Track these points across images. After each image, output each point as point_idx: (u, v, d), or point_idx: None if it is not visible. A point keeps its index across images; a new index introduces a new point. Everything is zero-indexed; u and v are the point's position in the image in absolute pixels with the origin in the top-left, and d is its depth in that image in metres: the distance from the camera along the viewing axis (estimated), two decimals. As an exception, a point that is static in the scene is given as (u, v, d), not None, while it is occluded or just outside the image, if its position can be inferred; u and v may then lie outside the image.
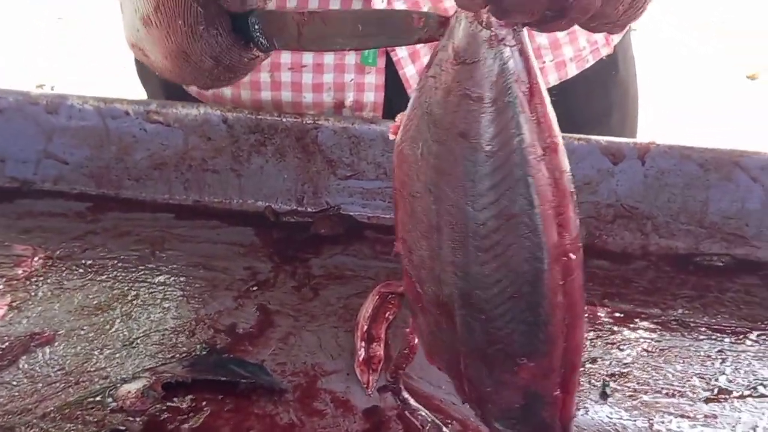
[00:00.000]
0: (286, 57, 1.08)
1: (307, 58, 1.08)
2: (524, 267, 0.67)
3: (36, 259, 1.01)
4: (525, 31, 0.68)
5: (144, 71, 1.24)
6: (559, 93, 1.11)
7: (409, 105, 0.71)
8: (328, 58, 1.08)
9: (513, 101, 0.66)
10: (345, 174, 1.03)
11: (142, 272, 0.99)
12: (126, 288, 0.97)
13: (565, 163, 0.68)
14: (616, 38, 1.15)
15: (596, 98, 1.17)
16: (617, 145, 0.95)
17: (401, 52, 1.05)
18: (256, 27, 0.89)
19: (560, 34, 1.09)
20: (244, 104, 1.10)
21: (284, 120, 1.03)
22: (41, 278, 0.98)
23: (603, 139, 0.96)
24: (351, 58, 1.08)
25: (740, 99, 3.12)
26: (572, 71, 1.12)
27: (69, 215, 1.07)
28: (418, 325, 0.77)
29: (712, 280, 0.93)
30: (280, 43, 0.89)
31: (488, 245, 0.68)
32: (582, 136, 0.96)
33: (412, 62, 1.05)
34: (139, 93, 1.26)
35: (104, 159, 1.08)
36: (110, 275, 0.98)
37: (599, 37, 1.13)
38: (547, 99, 0.68)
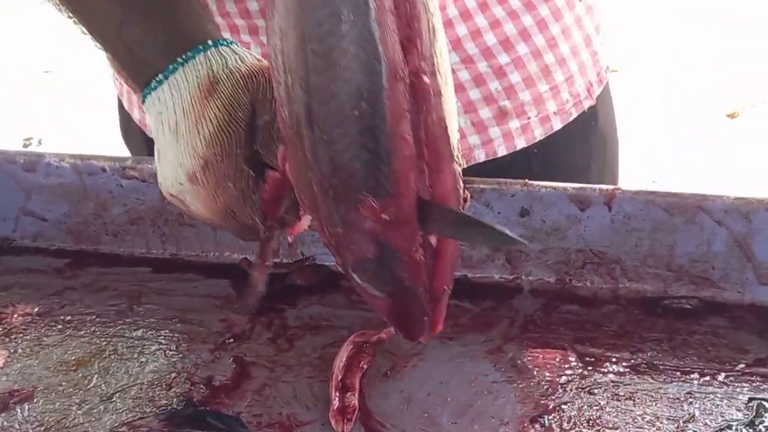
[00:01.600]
0: None
1: None
2: (360, 80, 0.62)
3: (15, 316, 1.02)
4: None
5: (128, 130, 1.26)
6: (540, 148, 1.13)
7: None
8: None
9: None
10: (319, 225, 1.05)
11: (120, 327, 1.00)
12: (104, 343, 0.98)
13: None
14: (598, 89, 1.17)
15: (577, 150, 1.18)
16: (584, 191, 0.97)
17: None
18: None
19: (542, 88, 1.11)
20: None
21: (258, 173, 1.05)
22: (20, 335, 0.99)
23: (570, 185, 0.98)
24: None
25: (719, 138, 3.16)
26: (557, 125, 1.13)
27: (48, 271, 1.08)
28: (288, 159, 0.72)
29: (681, 323, 0.95)
30: None
31: (324, 49, 0.63)
32: (549, 183, 0.98)
33: None
34: (124, 146, 1.27)
35: (82, 215, 1.09)
36: (88, 330, 1.00)
37: (581, 89, 1.14)
38: None
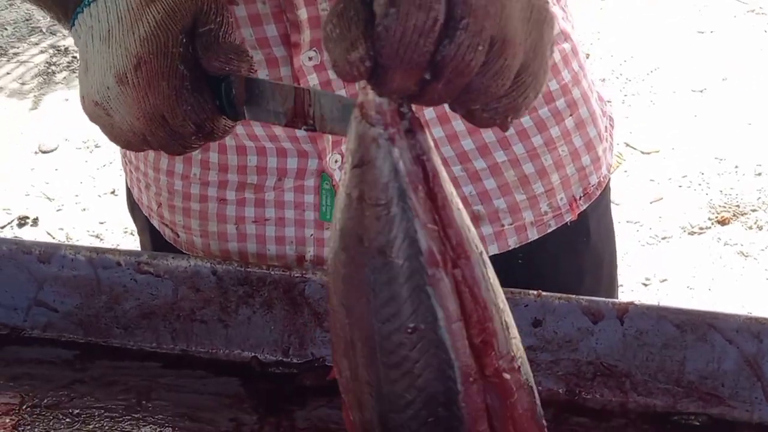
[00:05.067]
0: (249, 211, 1.11)
1: (270, 212, 1.11)
2: (436, 387, 0.63)
3: (24, 407, 1.02)
4: (422, 136, 0.65)
5: (134, 207, 1.27)
6: (524, 255, 1.13)
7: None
8: (289, 213, 1.10)
9: (405, 206, 0.62)
10: (331, 327, 1.05)
11: (128, 422, 1.00)
12: (112, 438, 0.98)
13: (483, 274, 0.64)
14: (584, 204, 1.16)
15: (565, 263, 1.18)
16: (597, 304, 0.98)
17: None
18: (230, 93, 0.86)
19: (519, 197, 1.09)
20: (213, 254, 1.12)
21: (273, 273, 1.05)
22: (28, 427, 0.99)
23: (583, 298, 0.99)
24: (310, 213, 1.10)
25: (710, 246, 3.19)
26: (533, 235, 1.13)
27: (57, 363, 1.08)
28: None
29: (690, 439, 0.95)
30: (250, 114, 0.87)
31: (395, 361, 0.64)
32: (562, 295, 0.99)
33: None
34: (119, 222, 1.28)
35: (94, 308, 1.10)
36: (97, 425, 0.99)
37: (563, 203, 1.13)
38: (458, 208, 0.65)
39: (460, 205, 0.66)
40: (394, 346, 0.63)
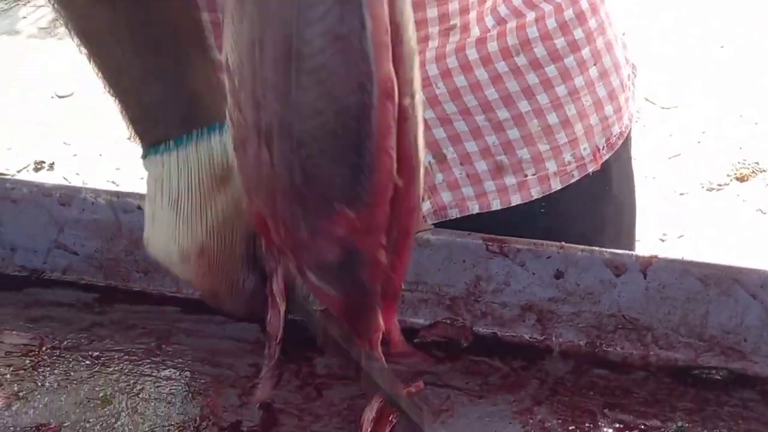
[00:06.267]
0: None
1: None
2: (350, 99, 0.62)
3: (43, 349, 1.02)
4: None
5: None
6: (547, 206, 1.12)
7: None
8: None
9: None
10: (351, 275, 1.05)
11: (148, 365, 1.00)
12: (132, 381, 0.98)
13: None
14: (606, 154, 1.15)
15: (588, 213, 1.17)
16: (620, 257, 0.98)
17: None
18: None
19: (543, 147, 1.09)
20: None
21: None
22: (48, 368, 0.99)
23: (606, 251, 0.98)
24: None
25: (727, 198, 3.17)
26: (556, 185, 1.11)
27: (77, 306, 1.08)
28: (238, 156, 0.72)
29: (711, 394, 0.95)
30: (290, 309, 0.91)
31: (311, 67, 0.62)
32: (585, 247, 0.98)
33: None
34: (135, 168, 1.26)
35: (114, 251, 1.09)
36: (116, 368, 0.99)
37: (586, 153, 1.12)
38: None
39: None
40: (313, 51, 0.61)
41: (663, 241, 2.98)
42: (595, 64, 1.11)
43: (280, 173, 0.67)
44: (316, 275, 0.71)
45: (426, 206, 1.08)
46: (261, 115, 0.66)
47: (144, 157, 0.89)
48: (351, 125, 0.62)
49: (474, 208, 1.09)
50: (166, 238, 0.87)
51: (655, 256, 0.97)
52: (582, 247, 0.98)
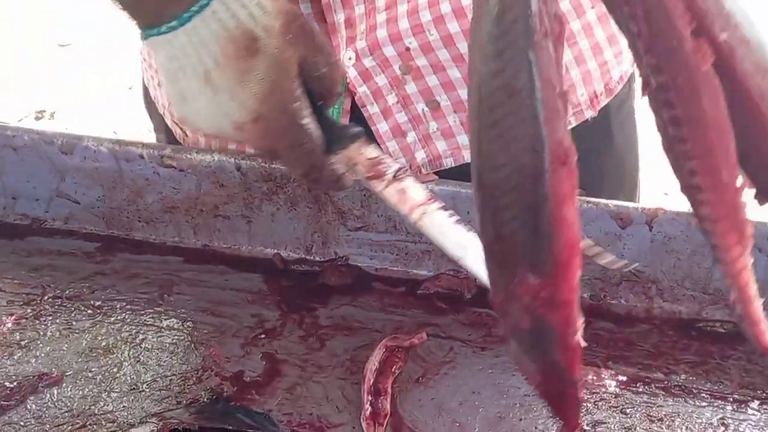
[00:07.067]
0: None
1: None
2: (525, 158, 0.61)
3: (45, 297, 1.01)
4: None
5: (150, 105, 1.25)
6: None
7: None
8: None
9: None
10: (355, 225, 1.04)
11: (150, 315, 1.00)
12: (134, 330, 0.97)
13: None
14: (604, 100, 1.13)
15: (586, 164, 1.15)
16: (626, 209, 0.97)
17: (372, 108, 1.06)
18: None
19: None
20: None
21: (297, 169, 1.04)
22: (50, 317, 0.99)
23: (612, 202, 0.97)
24: None
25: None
26: None
27: (78, 254, 1.08)
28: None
29: (715, 347, 0.95)
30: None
31: (492, 120, 0.62)
32: (591, 198, 0.97)
33: (384, 119, 1.07)
34: (136, 118, 1.25)
35: (116, 200, 1.09)
36: (118, 317, 0.99)
37: (583, 98, 1.11)
38: None
39: None
40: (494, 104, 0.61)
41: (667, 195, 2.97)
42: (592, 7, 1.09)
43: (481, 224, 0.65)
44: (514, 342, 0.68)
45: (420, 155, 1.08)
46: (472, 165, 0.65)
47: (144, 38, 0.87)
48: (529, 185, 0.61)
49: (468, 156, 1.08)
50: (214, 115, 0.86)
51: (662, 208, 0.96)
52: (587, 198, 0.97)
